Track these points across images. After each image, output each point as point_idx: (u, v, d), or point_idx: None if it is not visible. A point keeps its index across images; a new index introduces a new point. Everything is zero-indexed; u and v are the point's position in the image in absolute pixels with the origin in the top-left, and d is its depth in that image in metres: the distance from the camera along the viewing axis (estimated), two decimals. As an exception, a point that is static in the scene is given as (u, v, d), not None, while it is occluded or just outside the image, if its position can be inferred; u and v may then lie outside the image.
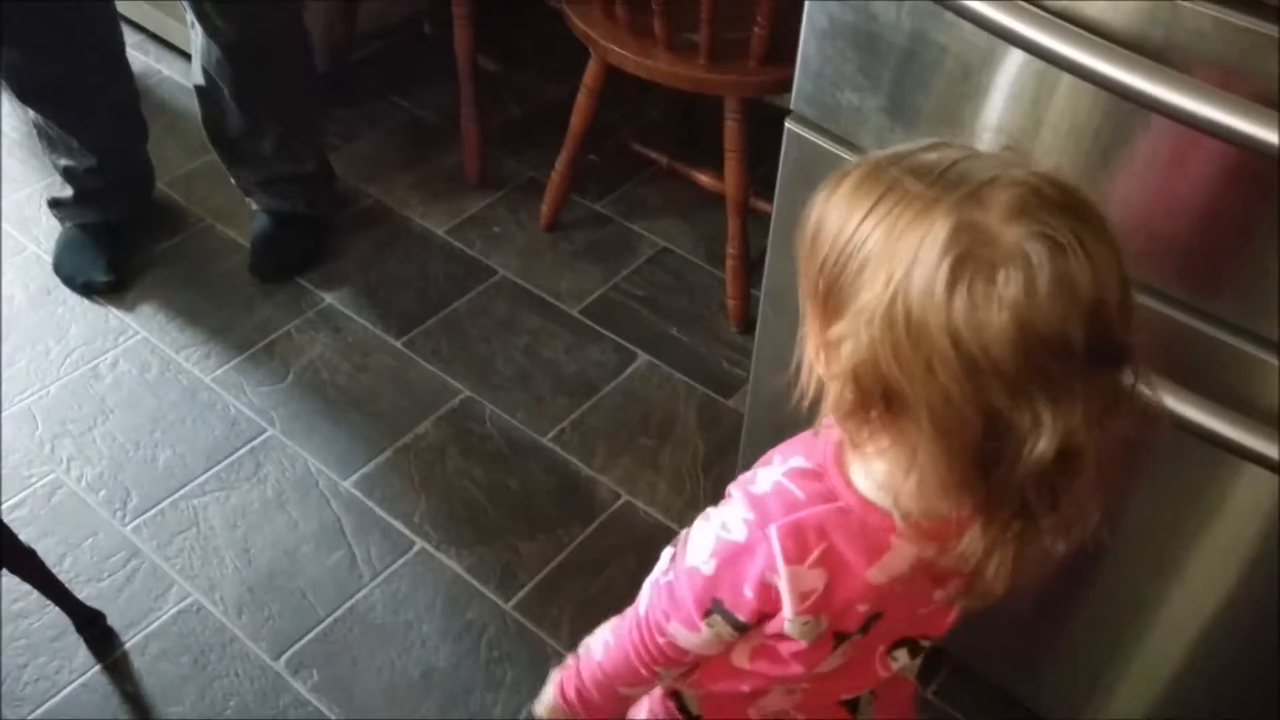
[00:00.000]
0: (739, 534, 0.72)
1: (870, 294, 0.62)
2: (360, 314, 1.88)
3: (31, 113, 1.81)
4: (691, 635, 0.78)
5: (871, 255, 0.63)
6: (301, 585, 1.52)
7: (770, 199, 1.30)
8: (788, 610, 0.72)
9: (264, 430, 1.70)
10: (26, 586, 1.41)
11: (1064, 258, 0.59)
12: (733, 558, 0.73)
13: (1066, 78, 0.92)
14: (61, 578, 1.42)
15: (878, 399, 0.64)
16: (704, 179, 1.93)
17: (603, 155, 2.08)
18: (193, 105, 1.87)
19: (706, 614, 0.76)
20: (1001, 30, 0.93)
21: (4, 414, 1.72)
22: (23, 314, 1.87)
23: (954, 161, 0.63)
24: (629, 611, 0.84)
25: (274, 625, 1.47)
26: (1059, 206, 0.61)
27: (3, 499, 1.59)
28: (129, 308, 1.88)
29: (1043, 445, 0.60)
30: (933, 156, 0.64)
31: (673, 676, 0.85)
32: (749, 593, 0.73)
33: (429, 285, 1.91)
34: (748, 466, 0.79)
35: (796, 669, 0.79)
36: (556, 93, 2.07)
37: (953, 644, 1.37)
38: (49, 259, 1.94)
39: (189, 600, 1.50)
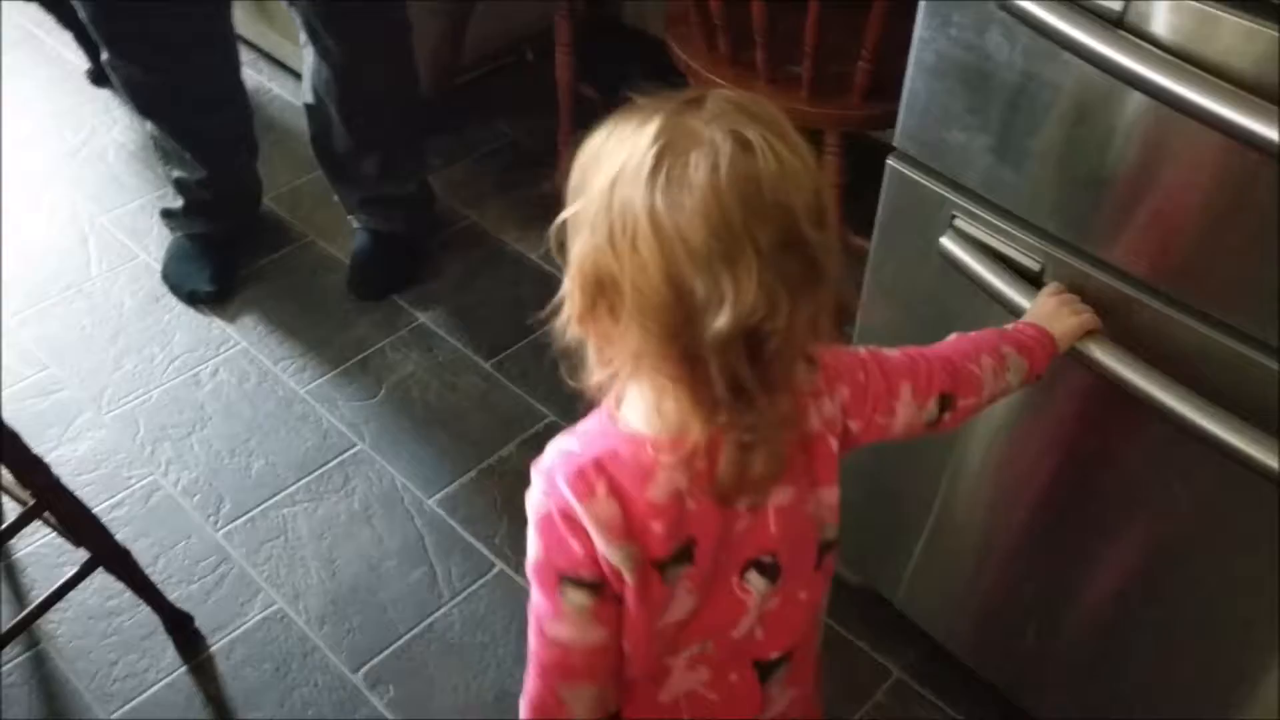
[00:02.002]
0: (541, 505, 0.80)
1: (596, 184, 0.71)
2: (452, 334, 1.90)
3: (149, 125, 1.88)
4: (560, 623, 0.82)
5: (601, 155, 0.72)
6: (383, 600, 1.53)
7: (863, 235, 1.29)
8: (599, 542, 0.78)
9: (354, 444, 1.73)
10: (120, 585, 1.45)
11: (751, 155, 0.69)
12: (547, 526, 0.80)
13: (1187, 121, 0.89)
14: (154, 579, 1.46)
15: (599, 289, 0.72)
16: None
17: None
18: (301, 123, 1.92)
19: (559, 589, 0.81)
20: (1119, 72, 0.91)
21: (108, 416, 1.78)
22: (131, 320, 1.93)
23: (683, 93, 0.74)
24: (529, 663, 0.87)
25: (354, 638, 1.49)
26: (757, 118, 0.71)
27: (103, 499, 1.65)
28: (231, 318, 1.94)
29: (723, 319, 0.69)
30: (671, 94, 0.74)
31: (582, 702, 0.86)
32: (575, 545, 0.79)
33: (520, 309, 1.93)
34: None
35: (644, 616, 0.82)
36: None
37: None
38: (158, 267, 2.01)
39: (274, 608, 1.52)
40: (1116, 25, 0.92)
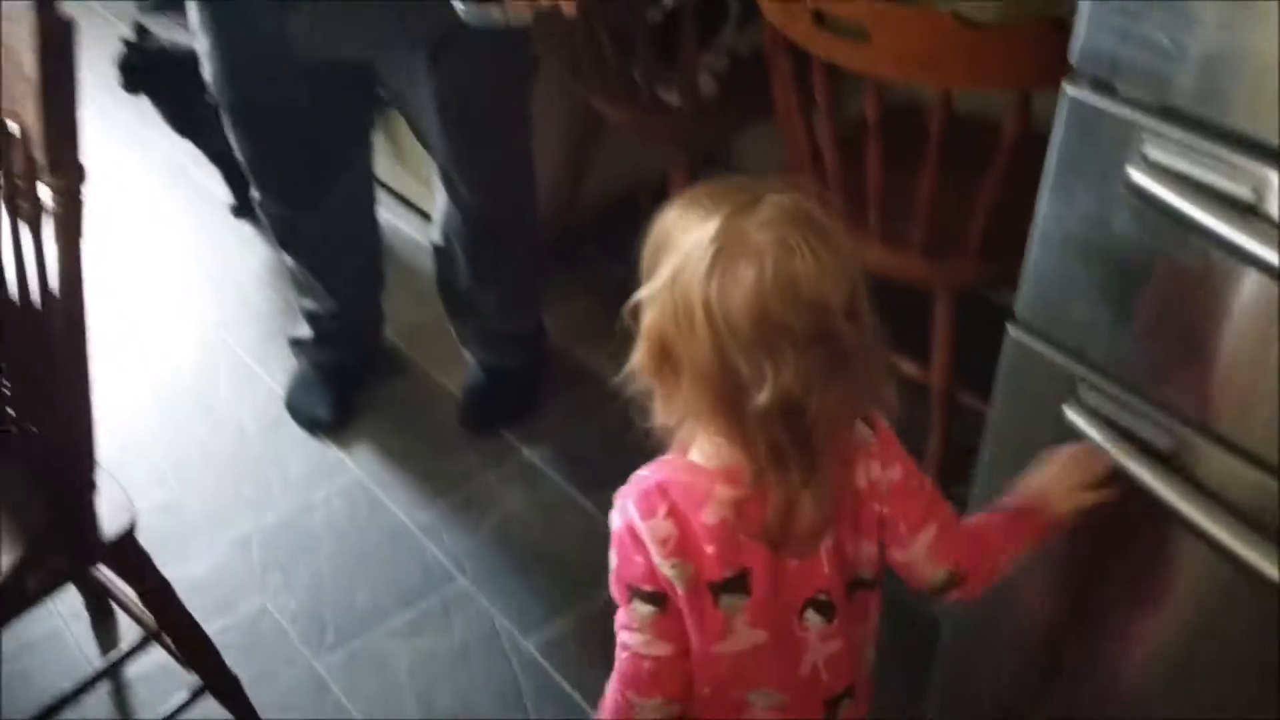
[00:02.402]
0: (616, 524, 0.94)
1: (664, 271, 0.85)
2: (557, 472, 1.92)
3: (286, 257, 1.98)
4: (632, 633, 0.95)
5: (669, 242, 0.86)
6: (477, 744, 1.52)
7: (975, 391, 1.27)
8: (655, 556, 0.90)
9: (456, 579, 1.75)
10: (224, 711, 1.47)
11: (793, 257, 0.81)
12: (619, 542, 0.94)
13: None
14: (254, 704, 1.48)
15: (665, 357, 0.87)
16: (906, 367, 1.91)
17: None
18: (425, 259, 2.00)
19: (630, 600, 0.94)
20: (1252, 258, 0.90)
21: (224, 538, 1.83)
22: (252, 443, 2.01)
23: (745, 186, 0.86)
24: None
25: (447, 781, 1.48)
26: (803, 222, 0.83)
27: (212, 622, 1.68)
28: (346, 446, 2.00)
29: (764, 396, 0.82)
30: (735, 183, 0.88)
31: (648, 710, 0.97)
32: (638, 559, 0.92)
33: (624, 451, 1.93)
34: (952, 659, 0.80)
35: (699, 634, 0.94)
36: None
37: None
38: (281, 393, 2.09)
39: (370, 744, 1.53)
40: (1249, 212, 0.92)
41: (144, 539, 1.63)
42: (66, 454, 1.17)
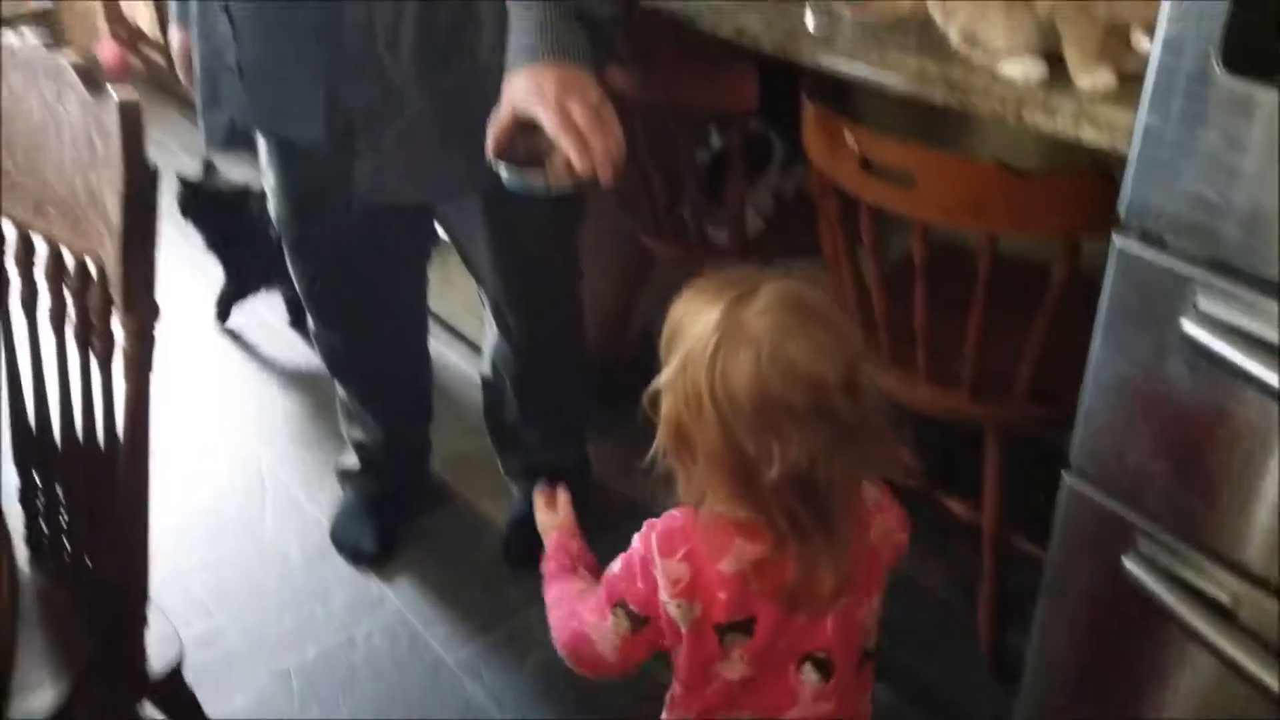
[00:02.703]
0: (637, 547, 1.01)
1: (675, 360, 0.93)
2: (601, 608, 1.90)
3: (338, 387, 2.02)
4: (597, 625, 1.04)
5: (679, 332, 0.94)
6: None
7: (1029, 534, 1.26)
8: (664, 593, 0.97)
9: (495, 718, 1.71)
10: None
11: (790, 340, 0.88)
12: (631, 562, 1.01)
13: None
14: None
15: (681, 440, 0.94)
16: (957, 507, 1.89)
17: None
18: (473, 390, 2.03)
19: (612, 608, 1.02)
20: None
21: (265, 671, 1.81)
22: (297, 574, 2.01)
23: (746, 276, 0.94)
24: (583, 602, 1.09)
25: None
26: (799, 308, 0.91)
27: (250, 758, 1.66)
28: (389, 578, 1.99)
29: (774, 470, 0.88)
30: (738, 273, 0.95)
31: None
32: (641, 585, 0.99)
33: (670, 586, 1.92)
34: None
35: (694, 659, 1.01)
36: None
37: None
38: (326, 523, 2.09)
39: None
40: (1305, 367, 0.92)
41: (185, 670, 1.63)
42: (121, 588, 1.18)
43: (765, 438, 0.88)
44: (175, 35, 1.75)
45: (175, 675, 1.27)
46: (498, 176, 1.34)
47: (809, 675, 1.02)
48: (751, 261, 2.08)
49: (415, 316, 1.97)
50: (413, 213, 1.71)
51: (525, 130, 1.30)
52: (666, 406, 0.94)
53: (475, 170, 1.53)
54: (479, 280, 1.80)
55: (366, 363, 1.94)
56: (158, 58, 3.81)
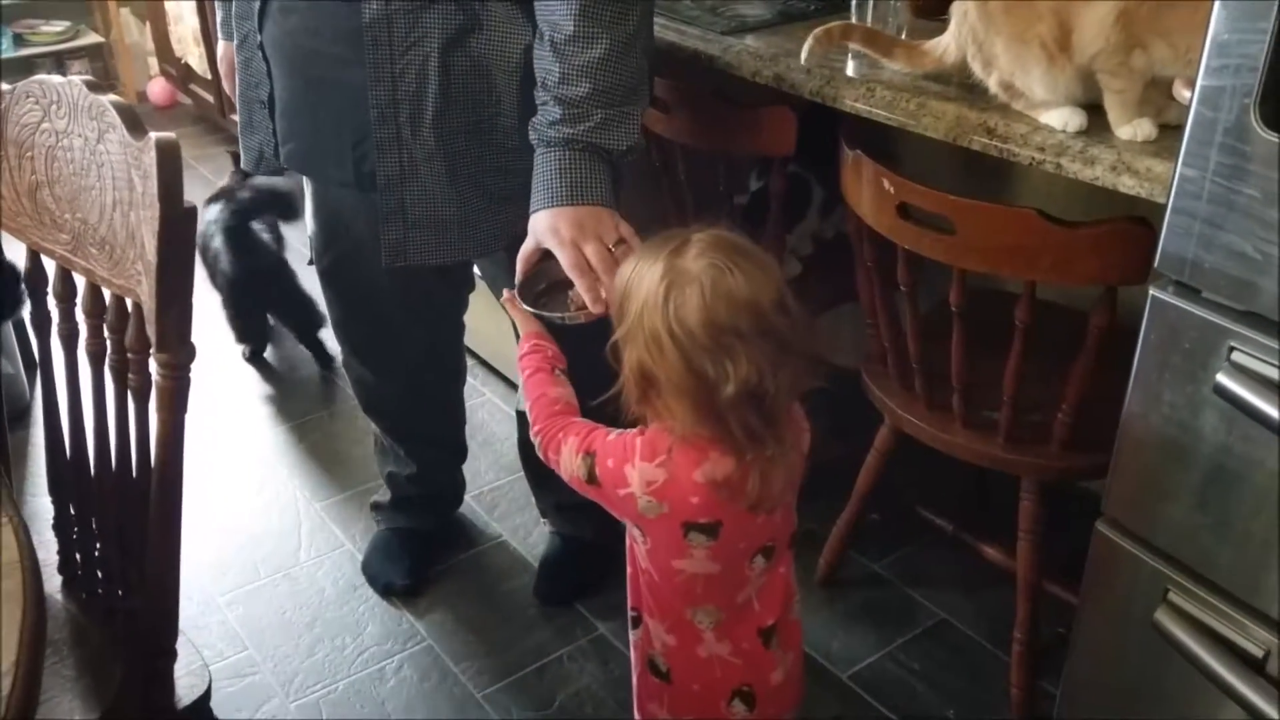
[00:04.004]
0: (628, 439, 1.14)
1: (631, 314, 1.09)
2: (627, 648, 1.88)
3: (371, 422, 2.03)
4: (570, 453, 1.18)
5: (630, 293, 1.09)
6: None
7: (1063, 581, 1.23)
8: (636, 489, 1.11)
9: (523, 758, 1.71)
10: None
11: (726, 275, 1.05)
12: (617, 442, 1.15)
13: None
14: None
15: (647, 381, 1.08)
16: (992, 553, 1.86)
17: (886, 515, 2.07)
18: (507, 427, 2.03)
19: (583, 454, 1.17)
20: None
21: (294, 705, 1.82)
22: (330, 607, 2.02)
23: (673, 234, 1.10)
24: (560, 420, 1.23)
25: None
26: (724, 248, 1.07)
27: (277, 791, 1.66)
28: (421, 613, 1.99)
29: (730, 388, 1.03)
30: (664, 235, 1.12)
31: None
32: (610, 463, 1.14)
33: (700, 628, 1.91)
34: None
35: (660, 550, 1.15)
36: (839, 450, 2.10)
37: None
38: (359, 557, 2.11)
39: None
40: (1346, 424, 0.90)
41: (214, 702, 1.64)
42: (151, 620, 1.19)
43: (720, 359, 1.03)
44: (221, 46, 1.81)
45: (202, 707, 1.27)
46: (518, 225, 1.42)
47: (758, 563, 1.18)
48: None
49: (448, 363, 1.98)
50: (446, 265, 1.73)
51: (550, 257, 1.36)
52: (629, 356, 1.09)
53: (499, 233, 1.56)
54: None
55: (397, 402, 1.95)
56: (207, 96, 3.90)
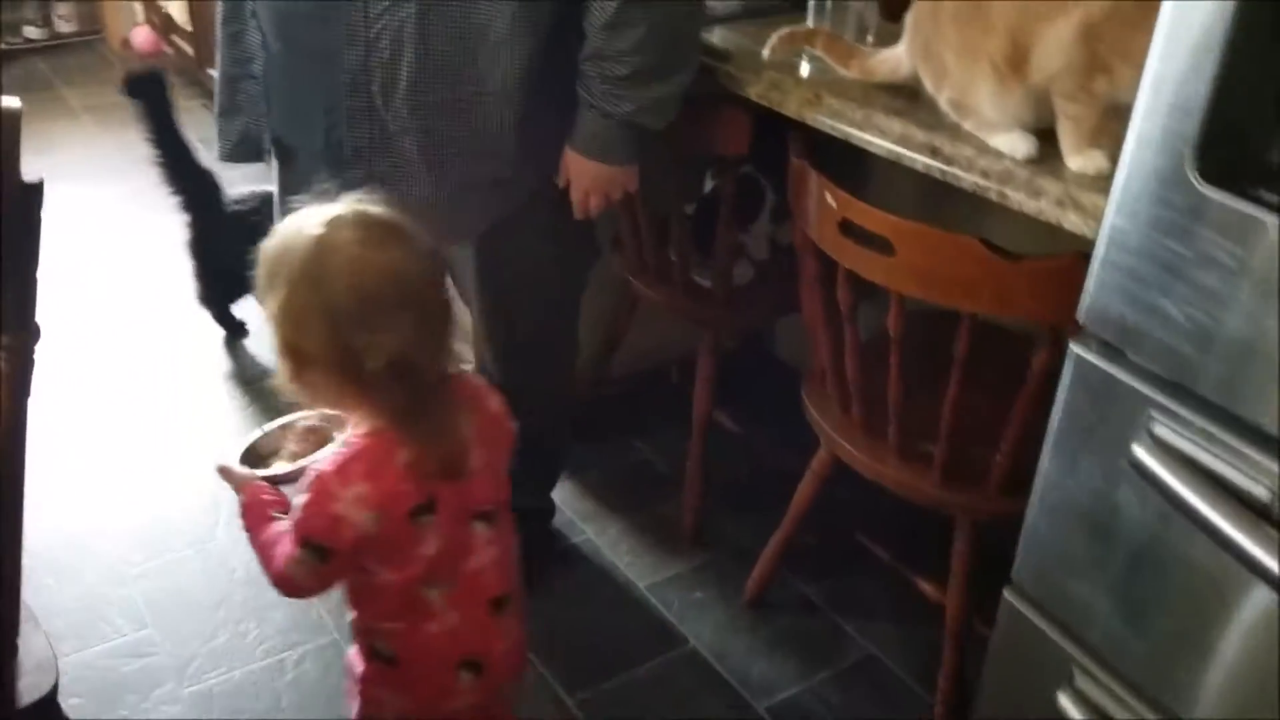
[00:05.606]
0: (314, 487, 1.10)
1: (278, 296, 1.06)
2: (541, 657, 1.81)
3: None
4: (292, 557, 1.13)
5: (278, 271, 1.06)
6: None
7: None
8: (353, 517, 1.08)
9: (415, 767, 1.63)
10: None
11: (371, 248, 1.05)
12: (309, 503, 1.10)
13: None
14: None
15: (298, 358, 1.07)
16: (927, 588, 1.78)
17: (823, 537, 1.98)
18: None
19: (301, 545, 1.12)
20: (1259, 568, 0.79)
21: (187, 690, 1.75)
22: (238, 589, 1.94)
23: (322, 209, 1.08)
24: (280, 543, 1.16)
25: None
26: (372, 222, 1.07)
27: (154, 784, 1.59)
28: (333, 606, 1.91)
29: (376, 360, 1.03)
30: (303, 214, 1.10)
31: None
32: (320, 520, 1.10)
33: (616, 641, 1.84)
34: None
35: (400, 554, 1.14)
36: (789, 461, 2.01)
37: None
38: (278, 538, 2.03)
39: None
40: (1262, 517, 0.81)
41: (106, 680, 1.58)
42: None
43: (365, 332, 1.02)
44: None
45: (48, 704, 1.20)
46: (486, 221, 1.48)
47: (479, 528, 1.19)
48: (741, 312, 2.01)
49: None
50: None
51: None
52: (279, 335, 1.07)
53: (467, 220, 1.48)
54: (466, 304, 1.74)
55: None
56: (187, 47, 3.80)
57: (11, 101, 0.94)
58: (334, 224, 1.06)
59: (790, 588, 1.95)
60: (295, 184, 1.62)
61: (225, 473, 1.25)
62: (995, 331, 1.40)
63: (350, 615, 1.26)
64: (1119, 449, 0.91)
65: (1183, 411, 0.87)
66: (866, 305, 1.48)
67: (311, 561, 1.12)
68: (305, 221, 1.07)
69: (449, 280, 1.09)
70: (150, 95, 2.45)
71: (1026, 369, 1.37)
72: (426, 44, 1.37)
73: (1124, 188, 0.87)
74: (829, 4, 1.54)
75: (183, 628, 1.86)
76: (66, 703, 1.59)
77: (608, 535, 2.07)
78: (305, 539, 1.11)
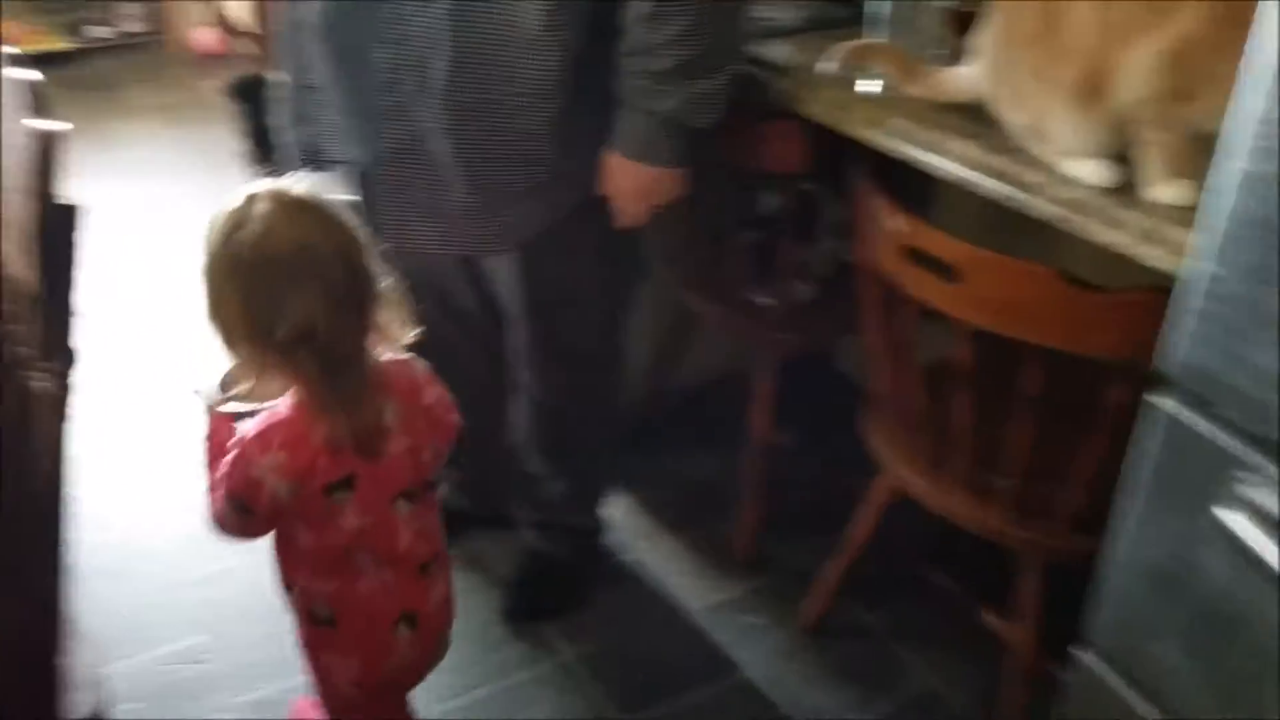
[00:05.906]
0: (238, 449, 1.17)
1: (202, 258, 1.11)
2: (592, 679, 1.78)
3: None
4: (221, 508, 1.22)
5: (205, 240, 1.12)
6: None
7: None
8: (268, 483, 1.15)
9: (466, 790, 1.61)
10: None
11: (284, 219, 1.10)
12: (234, 463, 1.17)
13: None
14: None
15: (221, 328, 1.12)
16: (991, 619, 1.71)
17: (881, 563, 1.92)
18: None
19: (229, 499, 1.19)
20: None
21: (242, 699, 1.75)
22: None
23: (251, 190, 1.13)
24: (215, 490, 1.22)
25: None
26: (288, 199, 1.12)
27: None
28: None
29: (282, 330, 1.08)
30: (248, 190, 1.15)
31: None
32: (241, 482, 1.17)
33: (667, 667, 1.80)
34: None
35: (315, 523, 1.20)
36: (849, 481, 1.95)
37: None
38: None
39: None
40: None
41: (161, 684, 1.58)
42: (26, 640, 1.11)
43: (272, 301, 1.07)
44: None
45: (97, 723, 1.20)
46: (529, 231, 1.46)
47: (402, 507, 1.24)
48: (800, 332, 1.95)
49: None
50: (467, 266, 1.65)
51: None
52: (208, 305, 1.12)
53: (505, 229, 1.45)
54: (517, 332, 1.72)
55: None
56: (254, 48, 3.84)
57: (60, 125, 0.93)
58: (252, 199, 1.11)
59: (849, 613, 1.90)
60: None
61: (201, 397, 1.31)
62: (1063, 358, 1.33)
63: (285, 593, 1.35)
64: (1200, 506, 0.85)
65: (1273, 470, 0.80)
66: (927, 325, 1.42)
67: (236, 514, 1.20)
68: (231, 198, 1.13)
69: (376, 261, 1.14)
70: (252, 99, 2.49)
71: (1098, 400, 1.30)
72: (458, 42, 1.34)
73: (1225, 232, 0.81)
74: (892, 17, 1.48)
75: (238, 636, 1.86)
76: (122, 708, 1.61)
77: (660, 555, 2.03)
78: (229, 493, 1.18)
